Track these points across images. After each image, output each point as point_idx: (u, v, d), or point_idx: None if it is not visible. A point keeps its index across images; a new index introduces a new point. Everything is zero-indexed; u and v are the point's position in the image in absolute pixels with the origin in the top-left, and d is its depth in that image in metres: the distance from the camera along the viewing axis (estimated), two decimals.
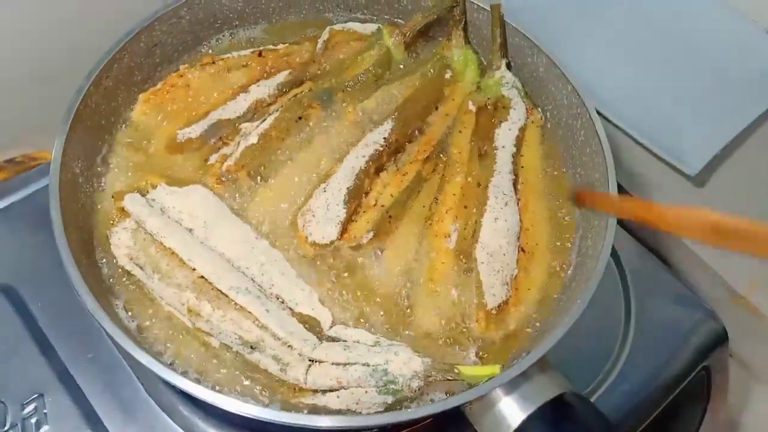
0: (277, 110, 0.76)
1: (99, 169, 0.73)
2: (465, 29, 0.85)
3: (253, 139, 0.73)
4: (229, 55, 0.81)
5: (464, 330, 0.66)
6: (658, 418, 0.79)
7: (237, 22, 0.86)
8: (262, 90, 0.78)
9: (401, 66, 0.84)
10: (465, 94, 0.82)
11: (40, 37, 0.88)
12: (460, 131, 0.78)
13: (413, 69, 0.83)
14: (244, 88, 0.79)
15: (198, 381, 0.60)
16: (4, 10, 0.83)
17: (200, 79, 0.78)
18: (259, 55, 0.81)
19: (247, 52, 0.82)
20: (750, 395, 0.94)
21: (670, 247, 0.92)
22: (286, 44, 0.84)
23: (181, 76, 0.78)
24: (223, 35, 0.86)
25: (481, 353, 0.65)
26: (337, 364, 0.61)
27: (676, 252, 0.92)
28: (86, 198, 0.70)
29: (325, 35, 0.83)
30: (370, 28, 0.85)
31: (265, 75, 0.80)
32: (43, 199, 0.65)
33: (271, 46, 0.83)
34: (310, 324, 0.64)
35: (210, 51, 0.85)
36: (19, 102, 0.92)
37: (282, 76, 0.80)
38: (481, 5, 0.83)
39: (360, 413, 0.60)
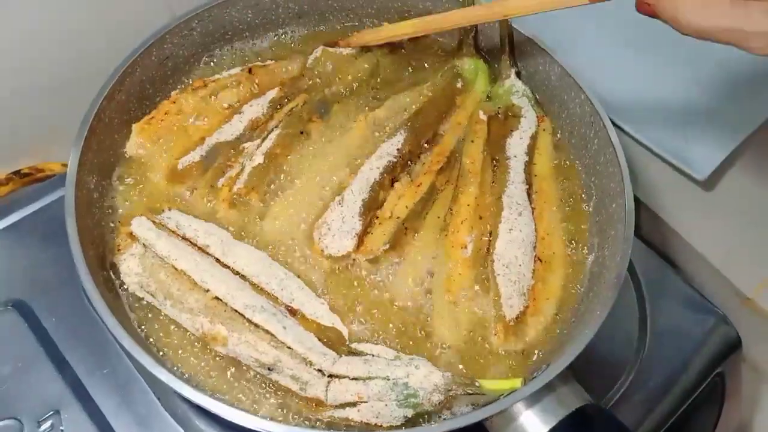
0: (277, 127, 0.76)
1: (113, 184, 0.73)
2: (476, 38, 0.85)
3: (259, 159, 0.73)
4: (218, 76, 0.80)
5: (483, 342, 0.66)
6: (673, 425, 0.79)
7: (247, 34, 0.86)
8: (255, 109, 0.77)
9: (409, 72, 0.84)
10: (476, 103, 0.82)
11: (47, 49, 0.88)
12: (472, 141, 0.78)
13: (424, 78, 0.83)
14: (237, 110, 0.77)
15: (216, 397, 0.60)
16: (13, 24, 0.83)
17: (193, 103, 0.77)
18: (249, 72, 0.80)
19: (237, 70, 0.81)
20: (762, 399, 0.94)
21: (680, 251, 0.92)
22: (274, 60, 0.83)
23: (174, 102, 0.77)
24: (233, 47, 0.86)
25: (501, 366, 0.65)
26: (357, 378, 0.61)
27: (686, 256, 0.92)
28: (101, 213, 0.70)
29: (317, 53, 0.83)
30: None
31: (256, 94, 0.79)
32: (55, 213, 0.65)
33: (259, 63, 0.83)
34: (332, 337, 0.64)
35: (225, 59, 0.85)
36: (27, 114, 0.91)
37: (273, 93, 0.79)
38: None
39: (381, 426, 0.60)
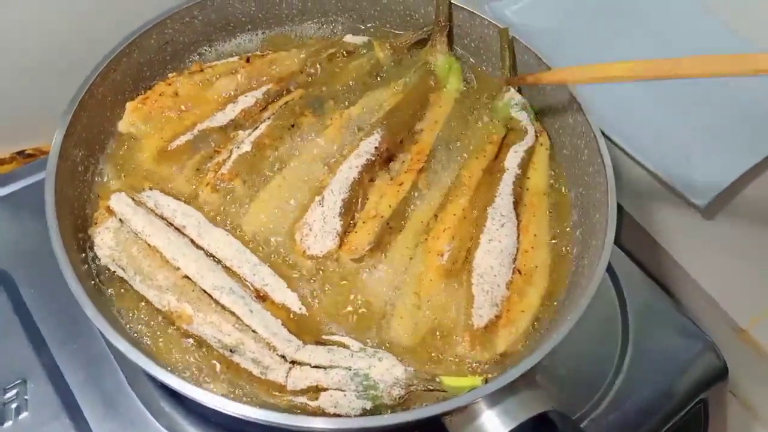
0: (269, 118, 0.76)
1: (99, 160, 0.73)
2: (449, 36, 0.85)
3: (247, 147, 0.73)
4: (216, 62, 0.81)
5: (449, 347, 0.65)
6: None
7: (250, 26, 0.87)
8: (249, 100, 0.78)
9: (384, 69, 0.85)
10: (451, 100, 0.82)
11: (53, 33, 0.89)
12: (477, 158, 0.78)
13: (397, 74, 0.83)
14: (232, 99, 0.78)
15: (179, 376, 0.59)
16: (21, 6, 0.85)
17: (188, 87, 0.78)
18: (247, 61, 0.81)
19: (235, 59, 0.82)
20: None
21: (674, 276, 0.90)
22: (274, 52, 0.84)
23: (170, 84, 0.77)
24: (235, 40, 0.87)
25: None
26: (319, 367, 0.60)
27: (679, 282, 0.90)
28: (84, 187, 0.71)
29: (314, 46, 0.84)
30: (361, 39, 0.86)
31: (252, 86, 0.79)
32: None
33: (258, 53, 0.83)
34: (299, 325, 0.64)
35: (225, 51, 0.86)
36: (32, 96, 0.93)
37: (269, 86, 0.80)
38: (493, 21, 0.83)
39: (339, 415, 0.59)
